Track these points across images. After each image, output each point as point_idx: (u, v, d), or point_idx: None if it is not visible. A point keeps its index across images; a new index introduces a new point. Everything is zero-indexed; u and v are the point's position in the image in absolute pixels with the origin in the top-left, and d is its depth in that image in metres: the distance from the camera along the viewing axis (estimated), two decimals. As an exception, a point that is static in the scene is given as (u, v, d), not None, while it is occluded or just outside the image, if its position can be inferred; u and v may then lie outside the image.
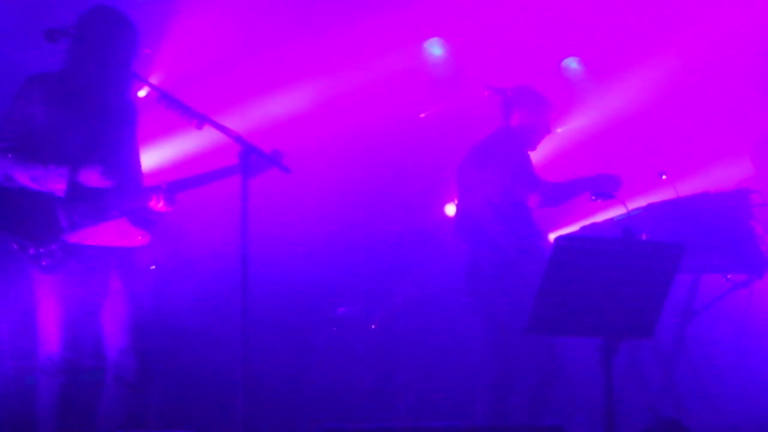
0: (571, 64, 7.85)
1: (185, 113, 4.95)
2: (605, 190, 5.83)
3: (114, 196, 4.94)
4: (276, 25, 7.50)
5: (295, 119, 7.37)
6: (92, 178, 4.87)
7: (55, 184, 4.85)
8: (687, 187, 6.89)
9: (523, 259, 5.80)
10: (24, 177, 4.82)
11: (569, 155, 7.46)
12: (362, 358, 6.96)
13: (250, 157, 4.92)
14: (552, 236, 6.48)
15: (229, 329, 5.14)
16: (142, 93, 5.60)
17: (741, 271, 6.42)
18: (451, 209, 7.18)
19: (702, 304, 6.60)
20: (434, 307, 6.81)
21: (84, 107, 4.96)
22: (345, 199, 7.33)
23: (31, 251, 4.83)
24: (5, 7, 6.75)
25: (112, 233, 4.92)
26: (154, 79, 6.88)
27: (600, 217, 6.80)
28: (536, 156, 6.18)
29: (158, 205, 5.05)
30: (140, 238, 4.96)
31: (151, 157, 6.18)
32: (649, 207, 6.49)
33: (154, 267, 6.23)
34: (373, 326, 7.07)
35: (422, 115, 6.51)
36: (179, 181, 5.06)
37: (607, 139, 7.71)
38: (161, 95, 4.99)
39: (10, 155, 4.87)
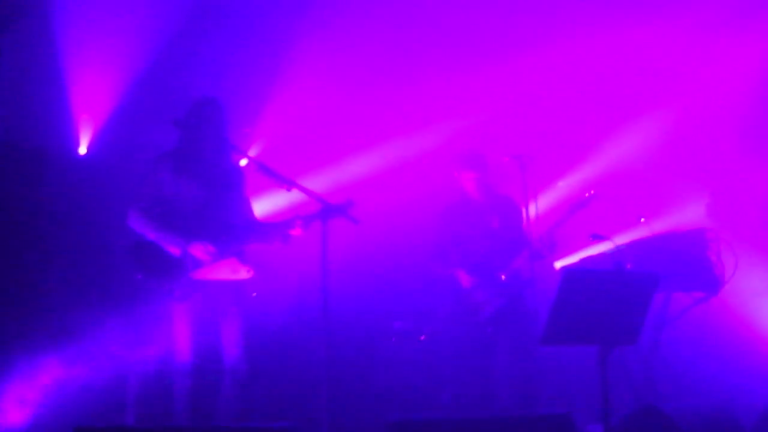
0: None
1: (277, 179, 5.26)
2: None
3: (225, 241, 5.23)
4: (345, 105, 7.61)
5: (361, 179, 7.42)
6: (199, 251, 5.19)
7: (173, 249, 5.21)
8: (660, 227, 6.99)
9: None
10: (152, 235, 5.22)
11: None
12: (413, 361, 7.02)
13: (328, 211, 5.18)
14: (558, 265, 6.57)
15: (315, 343, 5.61)
16: (243, 162, 5.70)
17: (701, 290, 6.57)
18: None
19: (672, 316, 6.74)
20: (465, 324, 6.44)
21: (197, 175, 5.34)
22: (399, 242, 7.38)
23: (167, 286, 5.18)
24: (140, 99, 7.08)
25: (225, 270, 5.22)
26: (252, 152, 6.91)
27: (595, 251, 6.87)
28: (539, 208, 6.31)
29: (297, 231, 5.31)
30: (247, 272, 5.25)
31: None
32: (632, 243, 6.62)
33: (255, 294, 6.26)
34: (422, 338, 7.10)
35: (455, 174, 6.51)
36: (302, 216, 5.30)
37: (601, 189, 6.96)
38: (258, 165, 5.31)
39: (145, 216, 5.23)
